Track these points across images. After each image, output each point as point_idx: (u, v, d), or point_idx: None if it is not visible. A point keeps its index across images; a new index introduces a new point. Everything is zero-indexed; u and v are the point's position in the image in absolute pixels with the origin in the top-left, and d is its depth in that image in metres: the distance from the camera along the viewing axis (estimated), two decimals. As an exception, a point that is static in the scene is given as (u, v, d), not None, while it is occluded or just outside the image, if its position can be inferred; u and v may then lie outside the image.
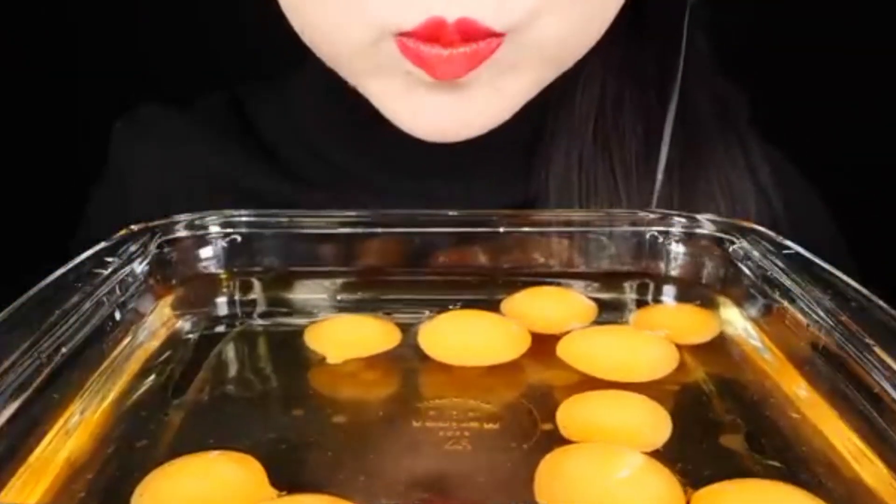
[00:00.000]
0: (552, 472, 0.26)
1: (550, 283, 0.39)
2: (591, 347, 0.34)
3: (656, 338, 0.35)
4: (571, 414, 0.29)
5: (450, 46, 0.35)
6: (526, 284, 0.38)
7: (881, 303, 0.31)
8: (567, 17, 0.37)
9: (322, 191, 0.47)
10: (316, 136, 0.49)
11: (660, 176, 0.45)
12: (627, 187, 0.45)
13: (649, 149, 0.46)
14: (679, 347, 0.34)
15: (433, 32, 0.34)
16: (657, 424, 0.29)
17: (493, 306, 0.37)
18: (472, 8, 0.34)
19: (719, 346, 0.35)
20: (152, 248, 0.36)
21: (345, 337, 0.35)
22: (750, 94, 0.50)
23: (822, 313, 0.31)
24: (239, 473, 0.26)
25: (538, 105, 0.41)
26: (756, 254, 0.36)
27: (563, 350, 0.34)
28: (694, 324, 0.36)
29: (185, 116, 0.52)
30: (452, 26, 0.34)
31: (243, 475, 0.26)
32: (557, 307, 0.37)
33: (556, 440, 0.28)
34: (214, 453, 0.27)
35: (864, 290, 0.31)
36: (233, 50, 0.73)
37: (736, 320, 0.36)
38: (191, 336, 0.36)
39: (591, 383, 0.32)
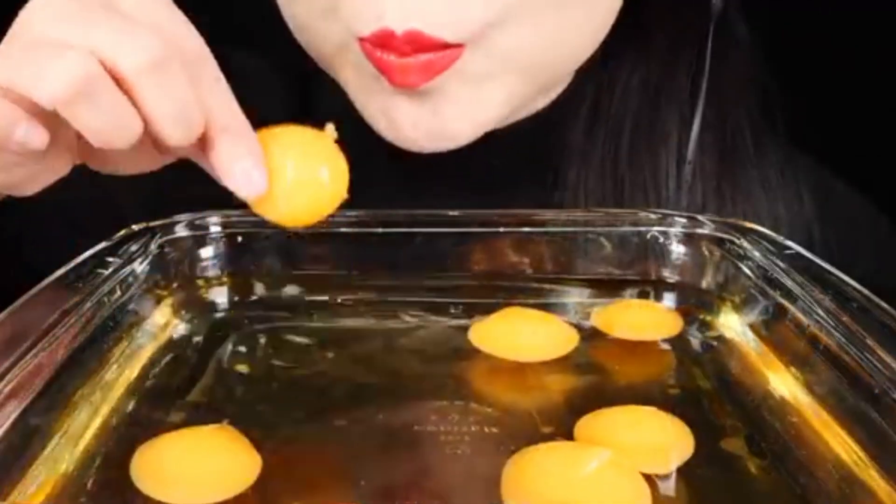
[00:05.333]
0: (518, 471, 0.26)
1: (549, 285, 0.39)
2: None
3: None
4: (591, 428, 0.29)
5: (403, 56, 0.35)
6: (526, 285, 0.38)
7: (881, 303, 0.30)
8: (537, 28, 0.37)
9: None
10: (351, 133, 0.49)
11: (684, 192, 0.45)
12: (658, 201, 0.45)
13: (681, 165, 0.45)
14: (679, 349, 0.34)
15: (383, 42, 0.35)
16: (680, 442, 0.28)
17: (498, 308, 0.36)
18: (423, 21, 0.35)
19: (719, 349, 0.35)
20: (153, 247, 0.36)
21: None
22: (788, 99, 0.49)
23: (822, 314, 0.31)
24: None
25: (556, 120, 0.42)
26: (756, 254, 0.36)
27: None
28: (655, 321, 0.37)
29: (268, 70, 0.52)
30: (401, 38, 0.35)
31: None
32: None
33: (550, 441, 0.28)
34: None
35: (865, 291, 0.31)
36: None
37: (736, 322, 0.36)
38: (191, 337, 0.36)
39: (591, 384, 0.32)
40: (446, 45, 0.35)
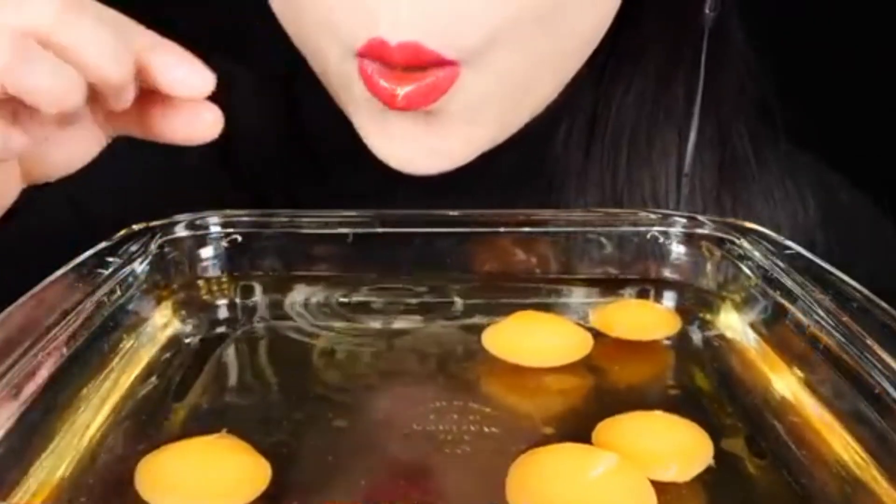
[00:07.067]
0: (524, 473, 0.26)
1: (550, 284, 0.39)
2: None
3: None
4: (610, 432, 0.29)
5: (398, 73, 0.35)
6: (526, 285, 0.38)
7: (882, 303, 0.30)
8: (531, 49, 0.37)
9: (335, 198, 0.47)
10: (345, 138, 0.49)
11: (683, 206, 0.45)
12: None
13: (681, 181, 0.45)
14: (679, 348, 0.34)
15: (378, 53, 0.35)
16: (699, 451, 0.28)
17: (511, 310, 0.36)
18: (419, 33, 0.35)
19: (720, 348, 0.35)
20: (153, 247, 0.36)
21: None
22: (789, 105, 0.49)
23: (822, 314, 0.31)
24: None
25: (553, 138, 0.43)
26: (756, 254, 0.36)
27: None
28: (655, 321, 0.36)
29: (250, 75, 0.52)
30: (395, 48, 0.35)
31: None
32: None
33: (556, 443, 0.28)
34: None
35: (865, 291, 0.31)
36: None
37: (736, 321, 0.36)
38: (191, 338, 0.36)
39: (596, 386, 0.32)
40: (441, 61, 0.35)
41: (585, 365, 0.34)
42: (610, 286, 0.39)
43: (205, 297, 0.38)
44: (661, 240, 0.39)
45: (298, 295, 0.39)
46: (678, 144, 0.45)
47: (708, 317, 0.37)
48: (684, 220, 0.39)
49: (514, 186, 0.45)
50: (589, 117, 0.45)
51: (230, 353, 0.35)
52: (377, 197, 0.46)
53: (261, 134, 0.50)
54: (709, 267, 0.38)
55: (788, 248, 0.36)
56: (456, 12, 0.35)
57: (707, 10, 0.43)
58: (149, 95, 0.32)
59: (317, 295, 0.39)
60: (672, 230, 0.39)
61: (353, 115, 0.41)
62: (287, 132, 0.50)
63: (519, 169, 0.45)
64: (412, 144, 0.39)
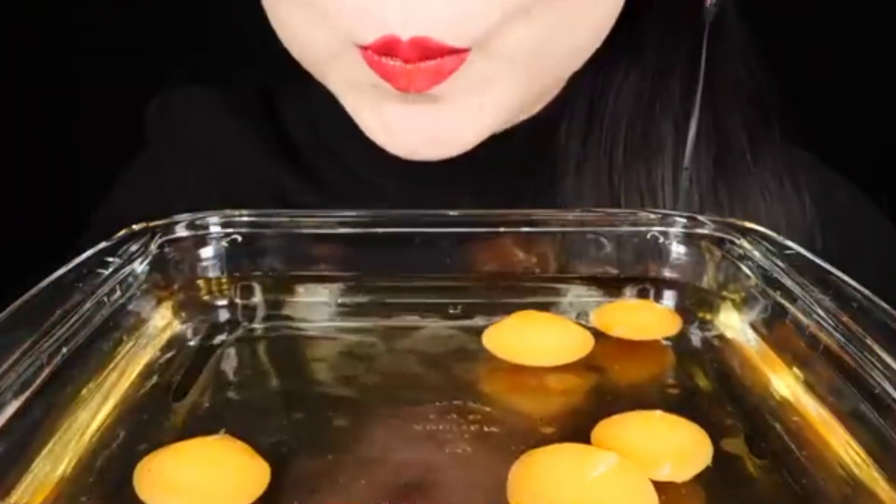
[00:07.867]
0: (524, 473, 0.26)
1: (549, 284, 0.39)
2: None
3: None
4: (608, 432, 0.29)
5: (409, 62, 0.35)
6: (526, 285, 0.38)
7: (882, 303, 0.30)
8: (536, 29, 0.37)
9: (338, 196, 0.47)
10: (335, 140, 0.49)
11: (681, 200, 0.45)
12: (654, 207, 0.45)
13: (677, 173, 0.45)
14: (679, 348, 0.34)
15: (388, 49, 0.35)
16: (699, 450, 0.28)
17: (511, 310, 0.36)
18: (429, 27, 0.34)
19: (719, 348, 0.35)
20: (153, 247, 0.36)
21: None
22: (788, 103, 0.49)
23: (822, 314, 0.31)
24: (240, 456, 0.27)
25: (550, 131, 0.43)
26: (757, 254, 0.36)
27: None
28: (655, 320, 0.36)
29: (219, 99, 0.52)
30: (407, 44, 0.34)
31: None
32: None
33: (557, 443, 0.28)
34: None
35: (865, 291, 0.31)
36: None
37: (736, 321, 0.36)
38: (192, 338, 0.36)
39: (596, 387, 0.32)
40: (452, 51, 0.35)
41: (586, 365, 0.34)
42: (610, 286, 0.39)
43: (205, 297, 0.38)
44: (661, 240, 0.39)
45: (298, 295, 0.39)
46: (675, 137, 0.45)
47: (708, 317, 0.37)
48: (684, 220, 0.39)
49: (515, 180, 0.45)
50: (586, 111, 0.45)
51: (230, 354, 0.35)
52: (370, 196, 0.46)
53: (245, 147, 0.50)
54: (709, 267, 0.38)
55: (788, 248, 0.35)
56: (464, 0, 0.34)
57: (707, 4, 0.43)
58: None
59: (317, 295, 0.39)
60: (672, 230, 0.39)
61: (351, 101, 0.40)
62: (269, 141, 0.50)
63: (522, 161, 0.45)
64: (415, 133, 0.39)
